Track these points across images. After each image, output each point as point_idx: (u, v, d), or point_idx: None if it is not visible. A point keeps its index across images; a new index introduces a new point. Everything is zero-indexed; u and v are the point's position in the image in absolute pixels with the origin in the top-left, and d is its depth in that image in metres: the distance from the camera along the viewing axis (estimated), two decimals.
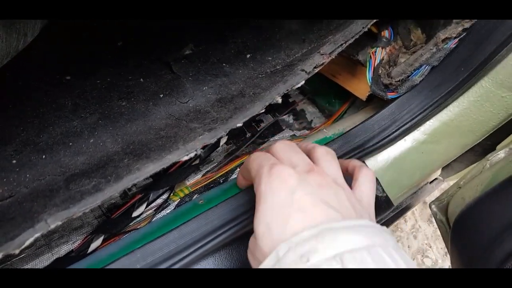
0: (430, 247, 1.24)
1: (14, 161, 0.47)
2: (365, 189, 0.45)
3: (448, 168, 0.74)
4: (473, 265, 0.45)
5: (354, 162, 0.49)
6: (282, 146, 0.44)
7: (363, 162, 0.58)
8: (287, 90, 0.50)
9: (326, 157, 0.45)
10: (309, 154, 0.45)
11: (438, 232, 0.65)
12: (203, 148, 0.59)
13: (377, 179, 0.58)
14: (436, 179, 0.72)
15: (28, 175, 0.46)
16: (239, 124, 0.47)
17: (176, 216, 0.52)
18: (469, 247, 0.47)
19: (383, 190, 0.59)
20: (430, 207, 0.66)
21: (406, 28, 0.65)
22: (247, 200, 0.49)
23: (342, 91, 0.73)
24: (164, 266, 0.43)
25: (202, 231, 0.46)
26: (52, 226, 0.39)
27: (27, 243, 0.38)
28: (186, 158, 0.44)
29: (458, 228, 0.52)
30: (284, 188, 0.37)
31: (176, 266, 0.43)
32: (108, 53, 0.64)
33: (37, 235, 0.38)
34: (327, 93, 0.77)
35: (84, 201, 0.41)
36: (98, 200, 0.41)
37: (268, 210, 0.37)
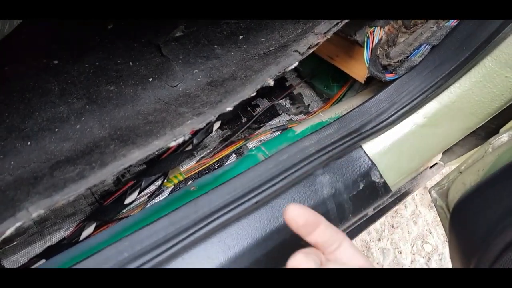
0: (431, 233, 1.22)
1: None
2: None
3: (449, 152, 0.72)
4: (471, 253, 0.43)
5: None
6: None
7: (360, 146, 0.57)
8: (280, 72, 0.48)
9: None
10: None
11: (439, 218, 0.64)
12: (195, 133, 0.58)
13: (374, 164, 0.57)
14: (436, 163, 0.70)
15: (12, 162, 0.45)
16: (229, 108, 0.45)
17: (168, 203, 0.51)
18: (468, 235, 0.46)
19: (380, 175, 0.57)
20: (430, 192, 0.64)
21: None
22: (237, 186, 0.47)
23: (341, 74, 0.71)
24: (152, 255, 0.42)
25: (192, 218, 0.45)
26: (34, 215, 0.38)
27: (8, 232, 0.37)
28: (173, 144, 0.43)
29: (457, 214, 0.51)
30: None
31: (165, 255, 0.42)
32: (98, 36, 0.62)
33: (18, 224, 0.37)
34: (325, 76, 0.75)
35: (67, 188, 0.40)
36: (81, 188, 0.40)
37: None
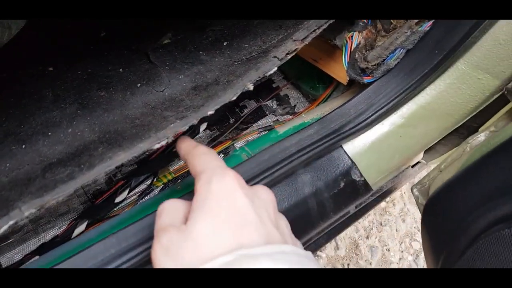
0: (419, 230, 1.25)
1: None
2: None
3: (432, 151, 0.74)
4: (441, 248, 0.46)
5: None
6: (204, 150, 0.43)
7: (340, 146, 0.59)
8: (259, 77, 0.50)
9: None
10: None
11: None
12: (182, 135, 0.60)
13: (354, 163, 0.59)
14: (418, 162, 0.73)
15: (8, 165, 0.48)
16: (211, 112, 0.48)
17: (154, 202, 0.54)
18: (437, 230, 0.48)
19: (360, 174, 0.59)
20: (412, 190, 0.67)
21: None
22: None
23: (326, 76, 0.73)
24: (138, 250, 0.45)
25: None
26: (26, 214, 0.41)
27: (2, 230, 0.40)
28: (157, 146, 0.46)
29: (428, 210, 0.53)
30: (237, 196, 0.36)
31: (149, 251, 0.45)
32: (90, 43, 0.65)
33: (11, 222, 0.40)
34: (310, 77, 0.78)
35: (58, 189, 0.42)
36: (70, 188, 0.42)
37: (218, 208, 0.35)
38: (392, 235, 1.23)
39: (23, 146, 0.50)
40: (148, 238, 0.46)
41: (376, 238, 1.21)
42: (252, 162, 0.54)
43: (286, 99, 0.77)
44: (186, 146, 0.45)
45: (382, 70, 0.57)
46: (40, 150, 0.50)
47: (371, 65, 0.58)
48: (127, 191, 0.60)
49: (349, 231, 1.19)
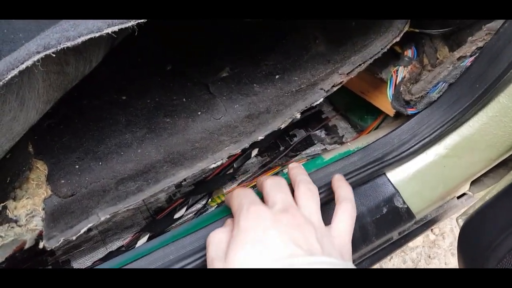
0: None
1: (77, 166, 0.57)
2: (342, 226, 0.50)
3: (479, 183, 0.74)
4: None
5: (340, 192, 0.54)
6: (270, 182, 0.50)
7: (384, 174, 0.62)
8: (306, 107, 0.56)
9: (306, 195, 0.50)
10: (294, 188, 0.51)
11: None
12: (235, 159, 0.66)
13: (397, 191, 0.61)
14: (465, 194, 0.73)
15: (87, 178, 0.56)
16: (261, 137, 0.54)
17: (209, 217, 0.59)
18: (471, 253, 0.49)
19: (403, 201, 0.62)
20: (457, 221, 0.68)
21: (433, 47, 0.68)
22: None
23: (374, 108, 0.77)
24: (194, 257, 0.50)
25: None
26: (102, 219, 0.48)
27: (82, 231, 0.47)
28: (213, 165, 0.52)
29: (462, 236, 0.54)
30: (260, 226, 0.43)
31: (204, 258, 0.50)
32: (158, 76, 0.74)
33: (89, 225, 0.47)
34: (359, 109, 0.81)
35: (128, 199, 0.49)
36: (139, 199, 0.49)
37: (246, 244, 0.42)
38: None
39: (100, 163, 0.58)
40: (203, 247, 0.51)
41: None
42: None
43: (334, 129, 0.81)
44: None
45: (425, 102, 0.60)
46: (114, 167, 0.57)
47: (415, 98, 0.61)
48: (185, 208, 0.66)
49: (397, 262, 1.17)
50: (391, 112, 0.72)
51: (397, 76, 0.64)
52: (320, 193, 0.57)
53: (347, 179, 0.59)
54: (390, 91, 0.63)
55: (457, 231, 1.27)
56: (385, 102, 0.72)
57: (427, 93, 0.61)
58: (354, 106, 0.83)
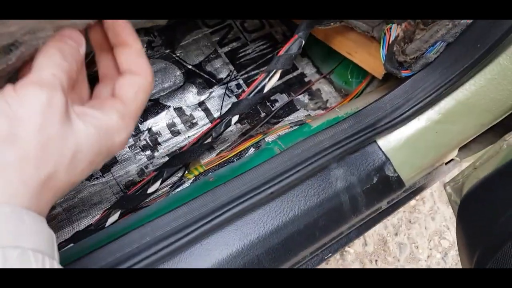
0: (448, 229, 1.22)
1: None
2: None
3: (466, 149, 0.72)
4: (476, 244, 0.45)
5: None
6: None
7: (375, 141, 0.58)
8: None
9: None
10: None
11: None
12: (213, 127, 0.60)
13: (388, 159, 0.58)
14: (452, 159, 0.71)
15: None
16: None
17: (187, 193, 0.54)
18: (473, 227, 0.47)
19: (394, 170, 0.58)
20: (445, 187, 0.65)
21: None
22: (253, 178, 0.50)
23: (359, 70, 0.72)
24: (172, 239, 0.45)
25: (210, 206, 0.48)
26: None
27: None
28: None
29: (464, 207, 0.52)
30: None
31: (184, 240, 0.45)
32: None
33: None
34: (344, 72, 0.76)
35: None
36: None
37: None
38: (421, 233, 1.21)
39: None
40: (183, 227, 0.46)
41: (405, 235, 1.20)
42: (284, 156, 0.53)
43: (318, 93, 0.76)
44: None
45: (421, 63, 0.55)
46: None
47: (410, 59, 0.57)
48: (159, 182, 0.60)
49: (378, 227, 1.17)
50: (380, 74, 0.67)
51: (390, 34, 0.59)
52: (308, 165, 0.52)
53: (337, 148, 0.54)
54: (383, 51, 0.58)
55: (437, 195, 1.28)
56: (374, 64, 0.68)
57: (423, 53, 0.56)
58: (338, 68, 0.78)
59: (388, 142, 0.59)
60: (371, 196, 0.58)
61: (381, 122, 0.57)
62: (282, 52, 0.59)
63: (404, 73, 0.57)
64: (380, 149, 0.58)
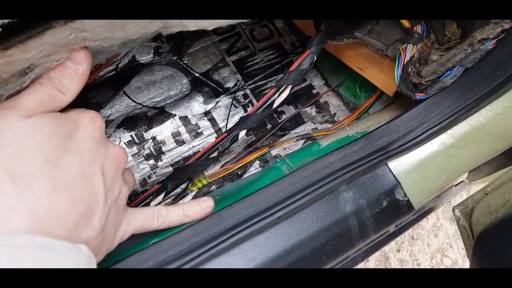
0: (451, 246, 1.21)
1: None
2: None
3: (475, 171, 0.71)
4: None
5: None
6: None
7: (386, 164, 0.57)
8: None
9: None
10: None
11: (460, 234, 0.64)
12: (220, 141, 0.59)
13: (399, 182, 0.56)
14: (462, 181, 0.70)
15: None
16: None
17: None
18: (491, 264, 0.46)
19: (404, 194, 0.57)
20: (453, 211, 0.64)
21: (441, 22, 0.61)
22: (261, 200, 0.48)
23: (368, 84, 0.70)
24: (176, 264, 0.44)
25: (216, 230, 0.46)
26: None
27: None
28: None
29: (482, 244, 0.50)
30: None
31: (188, 266, 0.44)
32: None
33: None
34: (352, 85, 0.75)
35: None
36: None
37: None
38: (424, 250, 1.20)
39: None
40: (188, 251, 0.44)
41: (407, 252, 1.19)
42: (294, 177, 0.52)
43: (326, 106, 0.74)
44: None
45: (437, 87, 0.54)
46: None
47: (425, 81, 0.55)
48: (162, 195, 0.58)
49: (381, 248, 1.16)
50: (391, 92, 0.65)
51: (405, 54, 0.57)
52: (318, 188, 0.51)
53: (348, 171, 0.53)
54: (397, 72, 0.57)
55: (440, 212, 1.27)
56: (385, 80, 0.66)
57: (439, 77, 0.54)
58: (347, 82, 0.76)
59: (399, 165, 0.57)
60: (380, 220, 0.56)
61: (393, 145, 0.55)
62: (293, 67, 0.57)
63: (419, 95, 0.56)
64: (391, 172, 0.57)
